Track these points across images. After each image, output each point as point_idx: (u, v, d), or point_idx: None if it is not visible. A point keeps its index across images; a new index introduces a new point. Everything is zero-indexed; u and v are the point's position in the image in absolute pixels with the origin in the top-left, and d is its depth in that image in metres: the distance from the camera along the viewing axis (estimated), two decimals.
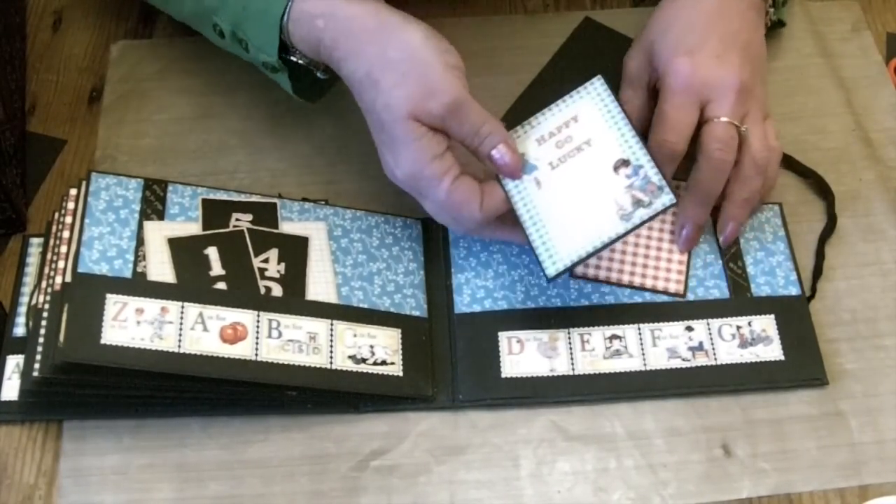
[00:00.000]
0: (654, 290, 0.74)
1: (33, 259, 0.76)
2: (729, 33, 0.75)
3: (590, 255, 0.67)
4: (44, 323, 0.68)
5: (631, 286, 0.74)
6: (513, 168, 0.69)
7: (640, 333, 0.73)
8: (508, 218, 0.70)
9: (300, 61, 0.72)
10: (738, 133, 0.72)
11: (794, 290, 0.75)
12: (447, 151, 0.68)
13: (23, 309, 0.74)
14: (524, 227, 0.69)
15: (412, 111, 0.66)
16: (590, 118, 0.70)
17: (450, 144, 0.69)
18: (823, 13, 0.91)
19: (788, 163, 0.81)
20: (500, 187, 0.70)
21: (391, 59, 0.67)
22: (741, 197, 0.74)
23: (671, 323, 0.73)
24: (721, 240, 0.76)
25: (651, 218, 0.67)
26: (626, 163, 0.68)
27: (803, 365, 0.72)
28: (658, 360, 0.72)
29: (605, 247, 0.67)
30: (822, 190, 0.80)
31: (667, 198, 0.67)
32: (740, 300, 0.74)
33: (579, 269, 0.74)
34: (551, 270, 0.67)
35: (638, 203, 0.67)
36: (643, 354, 0.72)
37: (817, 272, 0.77)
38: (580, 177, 0.69)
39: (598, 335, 0.73)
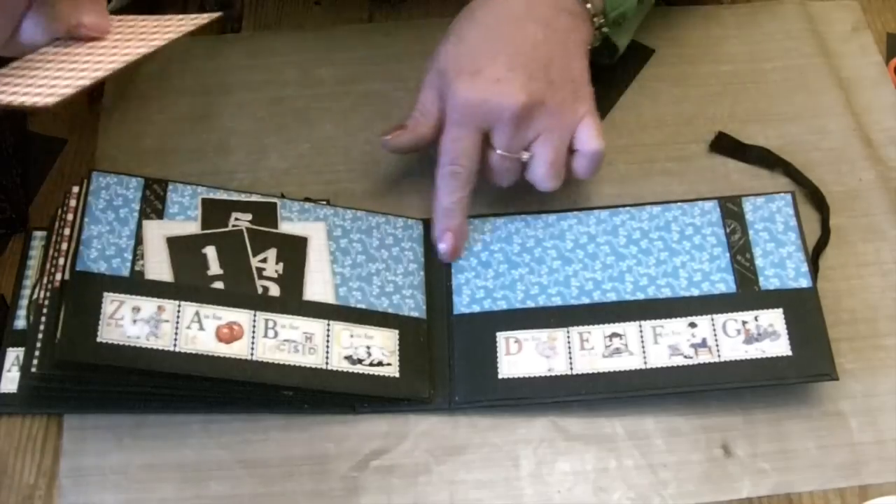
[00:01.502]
0: (22, 107, 0.61)
1: (36, 252, 0.76)
2: (524, 48, 0.71)
3: None
4: (43, 319, 0.68)
5: None
6: None
7: (640, 330, 0.72)
8: None
9: None
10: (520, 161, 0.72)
11: (804, 282, 0.73)
12: None
13: (24, 301, 0.74)
14: None
15: None
16: None
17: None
18: (823, 13, 0.90)
19: (788, 171, 0.81)
20: None
21: None
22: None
23: (674, 319, 0.72)
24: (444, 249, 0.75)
25: None
26: None
27: (811, 360, 0.70)
28: (659, 357, 0.71)
29: None
30: (818, 200, 0.79)
31: None
32: (747, 294, 0.73)
33: None
34: None
35: None
36: (643, 352, 0.71)
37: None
38: None
39: (597, 333, 0.72)
